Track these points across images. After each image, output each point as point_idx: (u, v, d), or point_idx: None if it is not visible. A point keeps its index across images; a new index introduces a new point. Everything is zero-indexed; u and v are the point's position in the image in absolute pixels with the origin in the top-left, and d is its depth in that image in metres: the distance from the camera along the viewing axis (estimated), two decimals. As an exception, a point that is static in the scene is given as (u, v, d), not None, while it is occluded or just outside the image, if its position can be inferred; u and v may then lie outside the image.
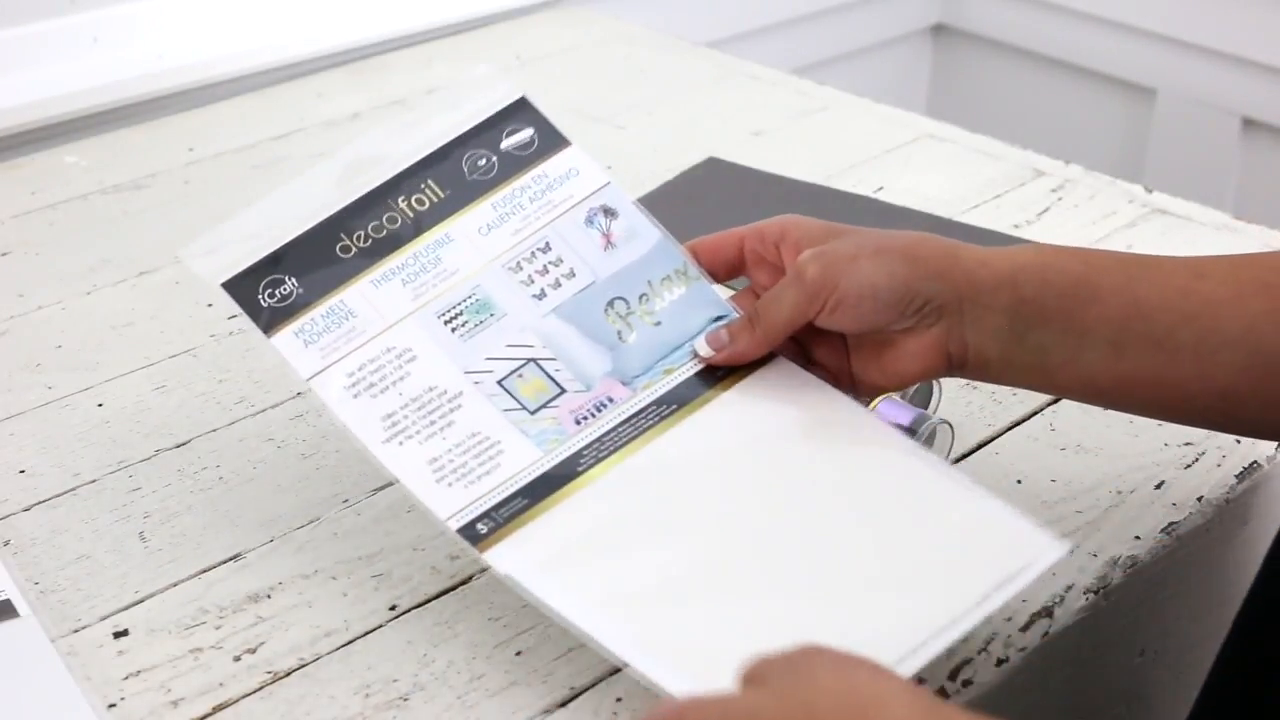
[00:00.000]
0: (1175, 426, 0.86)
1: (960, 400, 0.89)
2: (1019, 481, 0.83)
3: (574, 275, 0.76)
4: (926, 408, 0.85)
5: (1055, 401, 0.89)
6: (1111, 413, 0.88)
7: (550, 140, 0.79)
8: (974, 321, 0.70)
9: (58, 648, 0.71)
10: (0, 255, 1.06)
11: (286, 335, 0.72)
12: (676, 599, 0.65)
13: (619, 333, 0.75)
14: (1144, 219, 1.10)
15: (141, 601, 0.74)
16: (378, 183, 0.76)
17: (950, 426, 0.82)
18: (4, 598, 0.74)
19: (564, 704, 0.68)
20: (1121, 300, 0.69)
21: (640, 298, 0.76)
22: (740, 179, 1.16)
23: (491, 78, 0.80)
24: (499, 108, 0.79)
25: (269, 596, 0.74)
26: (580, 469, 0.70)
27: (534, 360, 0.73)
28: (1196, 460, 0.84)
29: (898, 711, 0.52)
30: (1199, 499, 0.82)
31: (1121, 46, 1.77)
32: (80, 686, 0.68)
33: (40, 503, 0.81)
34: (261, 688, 0.69)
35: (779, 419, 0.72)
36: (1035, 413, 0.88)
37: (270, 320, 0.72)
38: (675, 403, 0.73)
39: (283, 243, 0.74)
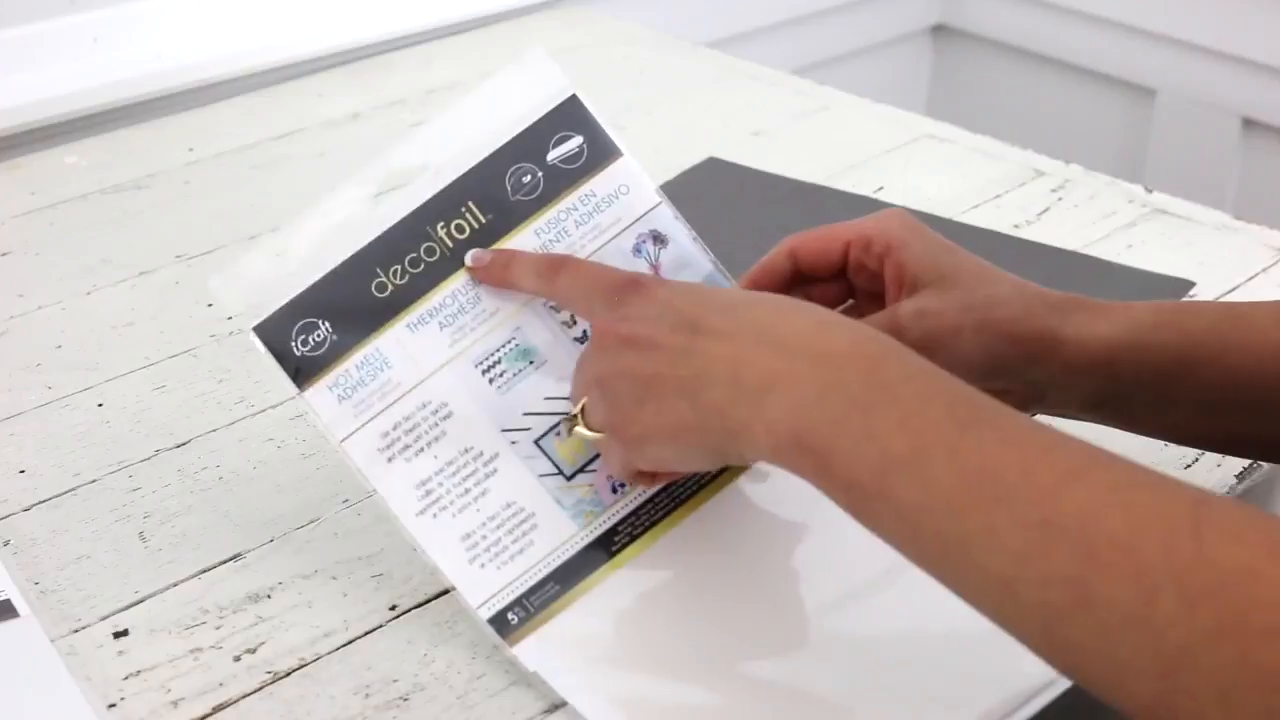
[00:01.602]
0: (1175, 427, 0.86)
1: (960, 400, 0.88)
2: (1019, 481, 0.82)
3: None
4: None
5: (1055, 401, 0.89)
6: (1111, 413, 0.88)
7: (600, 150, 0.74)
8: (1058, 394, 0.70)
9: (58, 648, 0.71)
10: (0, 255, 1.06)
11: (320, 390, 0.69)
12: (702, 710, 0.65)
13: None
14: (1144, 219, 1.10)
15: (141, 601, 0.74)
16: (416, 204, 0.72)
17: None
18: (4, 598, 0.74)
19: (564, 704, 0.67)
20: (1215, 372, 0.69)
21: None
22: (740, 179, 1.16)
23: (541, 62, 0.75)
24: (547, 109, 0.74)
25: (269, 596, 0.74)
26: (615, 548, 0.70)
27: (571, 415, 0.69)
28: (1196, 460, 0.84)
29: (800, 329, 0.59)
30: (1199, 499, 0.81)
31: (1121, 46, 1.77)
32: (80, 686, 0.68)
33: (40, 503, 0.81)
34: (261, 688, 0.69)
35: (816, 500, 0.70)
36: (1035, 413, 0.88)
37: (305, 374, 0.70)
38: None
39: (317, 278, 0.70)
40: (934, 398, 0.56)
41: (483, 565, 0.69)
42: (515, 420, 0.71)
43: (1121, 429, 0.73)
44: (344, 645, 0.72)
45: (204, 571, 0.76)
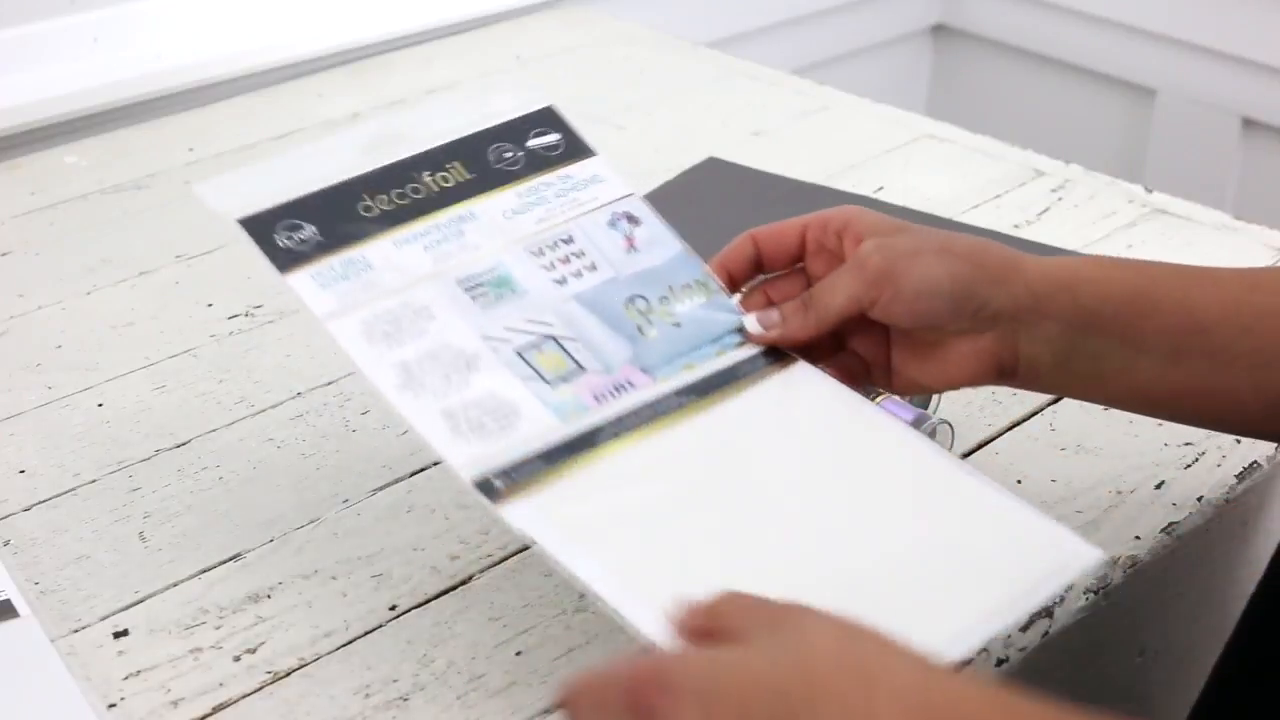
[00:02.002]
0: (1175, 426, 0.86)
1: (960, 400, 0.89)
2: (1019, 481, 0.83)
3: (595, 268, 0.75)
4: (926, 408, 0.85)
5: (1055, 401, 0.89)
6: (1112, 412, 0.88)
7: (576, 147, 0.79)
8: (1029, 329, 0.70)
9: (58, 648, 0.71)
10: (0, 255, 1.06)
11: (303, 276, 0.69)
12: (696, 572, 0.63)
13: (639, 327, 0.73)
14: (1144, 219, 1.10)
15: (141, 601, 0.74)
16: (403, 156, 0.75)
17: (950, 426, 0.82)
18: (4, 598, 0.74)
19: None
20: (1179, 313, 0.69)
21: (661, 299, 0.75)
22: (740, 179, 1.16)
23: (517, 86, 0.80)
24: (526, 111, 0.79)
25: (269, 596, 0.74)
26: (599, 441, 0.68)
27: (553, 337, 0.72)
28: (1196, 460, 0.84)
29: (904, 677, 0.50)
30: (1199, 499, 0.82)
31: (1121, 46, 1.77)
32: (80, 686, 0.68)
33: (40, 503, 0.81)
34: (261, 688, 0.69)
35: (803, 418, 0.71)
36: (1035, 413, 0.89)
37: (287, 261, 0.69)
38: (696, 393, 0.71)
39: (304, 193, 0.72)
40: None
41: (466, 439, 0.67)
42: (497, 332, 0.71)
43: (1097, 400, 0.73)
44: (344, 645, 0.72)
45: (204, 571, 0.76)
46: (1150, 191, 1.15)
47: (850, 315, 0.71)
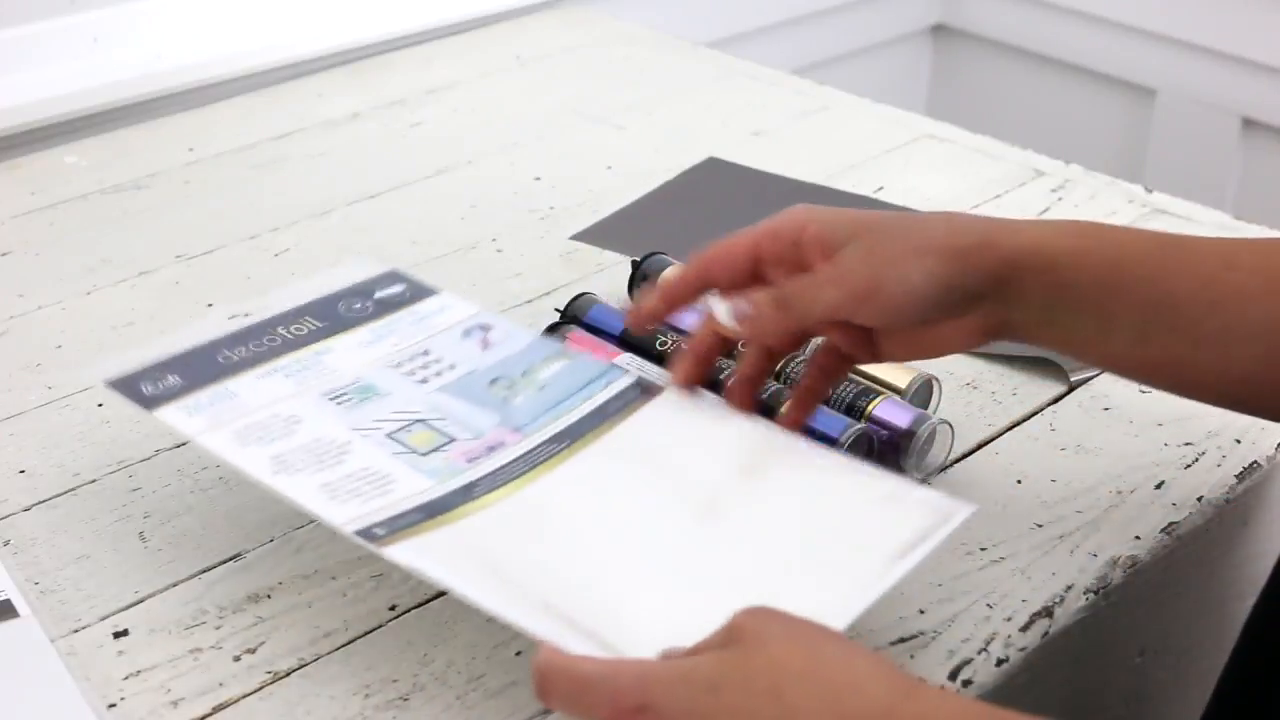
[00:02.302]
0: (1176, 426, 0.86)
1: (960, 400, 0.89)
2: (1019, 481, 0.83)
3: (455, 368, 0.78)
4: (926, 408, 0.85)
5: (1055, 401, 0.89)
6: (1112, 412, 0.88)
7: (422, 291, 0.84)
8: (1009, 300, 0.71)
9: (58, 648, 0.71)
10: (0, 255, 1.06)
11: (171, 409, 0.74)
12: (578, 584, 0.64)
13: (504, 398, 0.75)
14: (1144, 219, 1.10)
15: (141, 601, 0.74)
16: (260, 319, 0.81)
17: (950, 426, 0.82)
18: (4, 598, 0.74)
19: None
20: (1150, 290, 0.70)
21: (523, 373, 0.77)
22: (740, 179, 1.16)
23: (361, 260, 0.87)
24: (371, 275, 0.85)
25: (269, 596, 0.74)
26: (476, 494, 0.70)
27: (422, 420, 0.74)
28: (1196, 460, 0.84)
29: (875, 693, 0.51)
30: (1199, 499, 0.82)
31: (1121, 46, 1.77)
32: (80, 686, 0.68)
33: (40, 503, 0.81)
34: (261, 688, 0.69)
35: (676, 439, 0.72)
36: (1035, 413, 0.89)
37: (153, 402, 0.74)
38: (570, 438, 0.73)
39: (168, 356, 0.77)
40: None
41: (344, 502, 0.68)
42: (366, 424, 0.74)
43: (1075, 358, 0.75)
44: (344, 645, 0.72)
45: (204, 571, 0.76)
46: (1150, 191, 1.15)
47: (823, 322, 0.72)
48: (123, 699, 0.68)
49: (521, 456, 0.72)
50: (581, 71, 1.38)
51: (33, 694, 0.68)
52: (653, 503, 0.69)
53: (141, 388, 0.75)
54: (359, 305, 0.82)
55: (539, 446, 0.72)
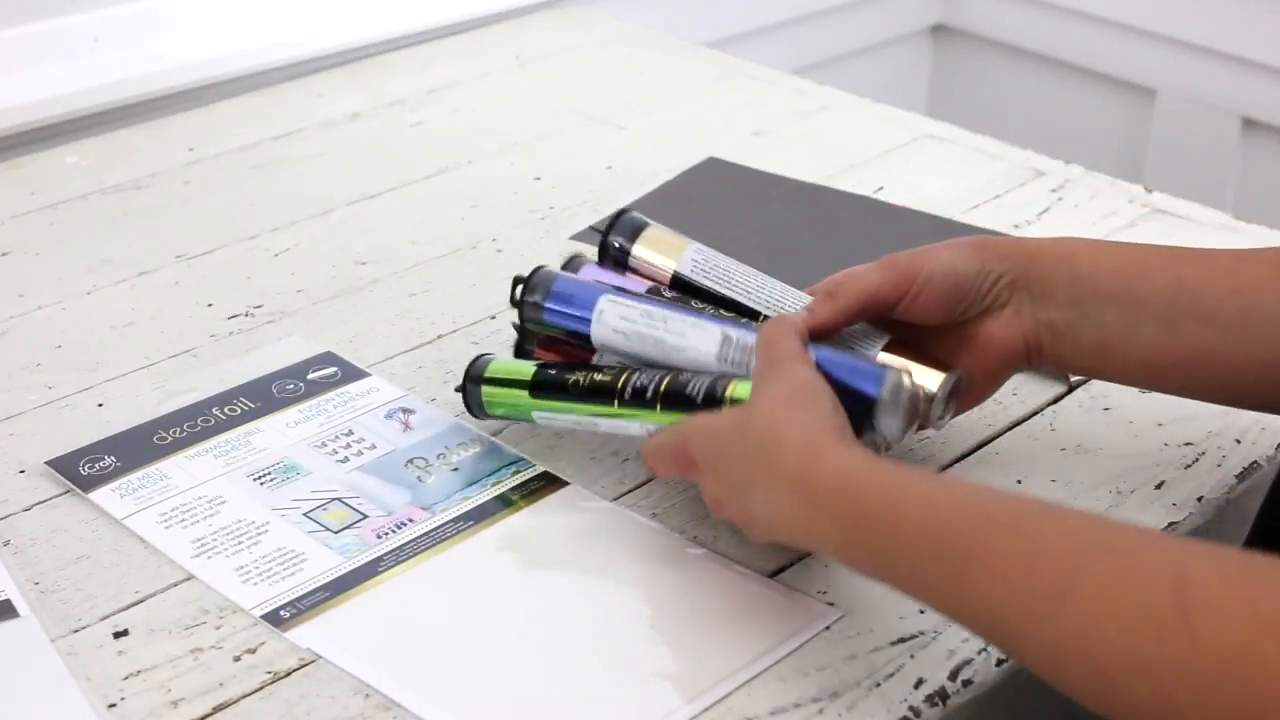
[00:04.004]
0: (1176, 426, 0.86)
1: (960, 400, 0.89)
2: (1019, 481, 0.83)
3: (375, 447, 0.84)
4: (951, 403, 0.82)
5: (1055, 401, 0.89)
6: (1112, 412, 0.88)
7: (354, 373, 0.90)
8: (1038, 299, 0.76)
9: (58, 648, 0.71)
10: (0, 255, 1.06)
11: (104, 492, 0.80)
12: (461, 666, 0.70)
13: (418, 478, 0.81)
14: (1144, 219, 1.10)
15: (141, 601, 0.74)
16: (192, 401, 0.87)
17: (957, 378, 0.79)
18: (4, 598, 0.73)
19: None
20: (1169, 277, 0.75)
21: (438, 455, 0.83)
22: (740, 179, 1.16)
23: (297, 341, 0.92)
24: (305, 356, 0.91)
25: (269, 596, 0.74)
26: (380, 570, 0.75)
27: (338, 498, 0.80)
28: (1196, 460, 0.84)
29: (794, 455, 0.65)
30: (1199, 499, 0.82)
31: (1121, 46, 1.77)
32: (80, 686, 0.68)
33: (40, 503, 0.81)
34: (261, 688, 0.69)
35: (566, 531, 0.78)
36: (1035, 413, 0.89)
37: (89, 484, 0.80)
38: (473, 520, 0.78)
39: (105, 435, 0.84)
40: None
41: (255, 584, 0.74)
42: (286, 503, 0.80)
43: (1108, 373, 0.78)
44: (344, 645, 0.71)
45: (204, 571, 0.76)
46: (1150, 191, 1.15)
47: (874, 307, 0.76)
48: (123, 699, 0.68)
49: (427, 534, 0.77)
50: (581, 71, 1.38)
51: (33, 694, 0.68)
52: (536, 589, 0.75)
53: (80, 469, 0.81)
54: (291, 386, 0.88)
55: (444, 525, 0.78)
